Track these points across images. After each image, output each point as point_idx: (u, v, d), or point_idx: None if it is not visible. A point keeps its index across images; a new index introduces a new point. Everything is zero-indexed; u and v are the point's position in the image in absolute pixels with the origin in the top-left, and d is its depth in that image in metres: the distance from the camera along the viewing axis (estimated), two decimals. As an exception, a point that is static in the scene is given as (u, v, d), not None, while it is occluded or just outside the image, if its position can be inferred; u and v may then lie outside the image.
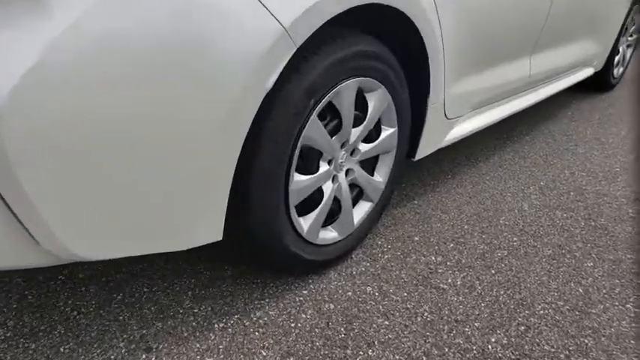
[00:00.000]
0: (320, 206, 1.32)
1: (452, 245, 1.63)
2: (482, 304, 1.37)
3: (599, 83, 3.64)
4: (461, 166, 2.26)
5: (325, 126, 1.27)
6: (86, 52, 0.80)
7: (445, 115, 1.73)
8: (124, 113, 0.86)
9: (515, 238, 1.70)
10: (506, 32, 1.93)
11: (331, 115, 1.29)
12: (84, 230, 0.91)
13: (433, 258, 1.56)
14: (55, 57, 0.77)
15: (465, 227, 1.74)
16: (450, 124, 1.81)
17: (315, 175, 1.27)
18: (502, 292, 1.42)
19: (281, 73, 1.10)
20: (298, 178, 1.23)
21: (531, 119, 2.99)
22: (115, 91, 0.84)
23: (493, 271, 1.51)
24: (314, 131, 1.21)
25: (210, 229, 1.09)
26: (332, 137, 1.29)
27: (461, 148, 2.47)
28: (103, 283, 1.37)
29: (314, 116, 1.19)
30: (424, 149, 1.71)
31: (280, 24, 1.00)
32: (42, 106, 0.77)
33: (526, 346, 1.23)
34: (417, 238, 1.66)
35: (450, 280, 1.46)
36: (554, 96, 3.53)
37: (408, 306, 1.34)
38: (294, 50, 1.05)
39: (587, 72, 3.17)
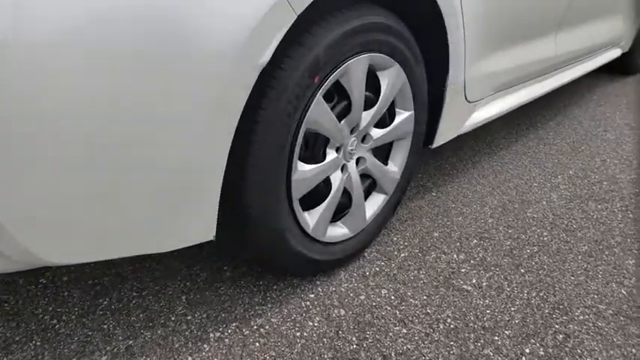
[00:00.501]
0: (327, 199, 1.17)
1: (475, 241, 1.48)
2: (513, 309, 1.21)
3: (626, 65, 3.43)
4: (481, 154, 2.10)
5: (332, 108, 1.12)
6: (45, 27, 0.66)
7: (465, 98, 1.57)
8: (89, 95, 0.71)
9: (545, 233, 1.54)
10: (532, 7, 1.75)
11: (339, 97, 1.14)
12: (48, 232, 0.77)
13: (455, 256, 1.40)
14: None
15: (489, 221, 1.58)
16: (471, 108, 1.65)
17: (322, 164, 1.12)
18: (534, 295, 1.26)
19: (280, 47, 0.95)
20: (302, 168, 1.08)
21: (555, 104, 2.80)
22: (77, 71, 0.70)
23: (522, 271, 1.35)
24: (319, 114, 1.05)
25: (199, 227, 0.94)
26: (340, 121, 1.14)
27: (481, 135, 2.30)
28: (88, 287, 1.23)
29: (319, 97, 1.04)
30: (443, 135, 1.55)
31: (276, -14, 0.85)
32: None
33: (566, 358, 1.07)
34: (436, 234, 1.50)
35: (474, 281, 1.30)
36: (578, 79, 3.33)
37: (429, 311, 1.19)
38: (294, 19, 0.90)
39: (615, 53, 2.97)
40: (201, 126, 0.84)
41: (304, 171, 1.08)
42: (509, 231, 1.54)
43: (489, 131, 2.36)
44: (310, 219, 1.15)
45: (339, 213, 1.28)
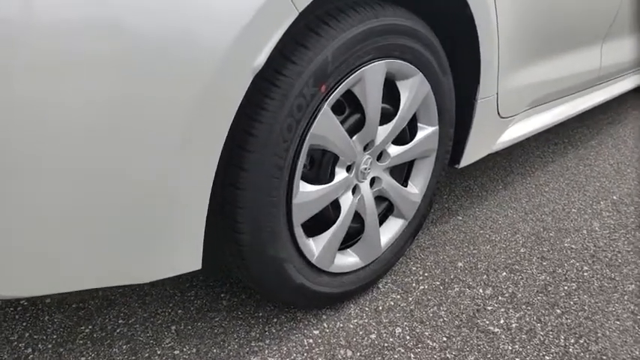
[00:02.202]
0: (336, 224, 1.03)
1: (505, 274, 1.31)
2: (547, 357, 1.04)
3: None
4: (514, 174, 1.92)
5: (343, 122, 0.99)
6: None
7: (498, 113, 1.41)
8: (51, 102, 0.60)
9: (585, 267, 1.36)
10: (575, 13, 1.59)
11: (351, 108, 1.00)
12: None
13: (481, 291, 1.24)
14: None
15: (521, 251, 1.41)
16: (504, 124, 1.49)
17: (329, 184, 0.99)
18: (572, 341, 1.09)
19: (281, 50, 0.82)
20: (305, 189, 0.94)
21: (595, 121, 2.60)
22: (36, 76, 0.59)
23: (559, 311, 1.18)
24: (326, 128, 0.92)
25: (183, 256, 0.82)
26: (351, 137, 1.00)
27: (514, 153, 2.12)
28: (71, 311, 1.12)
29: (326, 108, 0.91)
30: (471, 154, 1.39)
31: (275, -22, 0.72)
32: None
33: None
34: (460, 264, 1.34)
35: (502, 322, 1.14)
36: (624, 94, 3.10)
37: (448, 356, 1.04)
38: (296, 16, 0.77)
39: (664, 67, 2.75)
40: (180, 140, 0.72)
41: (307, 192, 0.95)
42: (544, 263, 1.36)
43: (523, 149, 2.18)
44: (315, 247, 1.02)
45: (350, 239, 1.14)
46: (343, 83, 0.92)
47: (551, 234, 1.51)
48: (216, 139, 0.75)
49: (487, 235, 1.49)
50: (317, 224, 1.04)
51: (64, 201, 0.67)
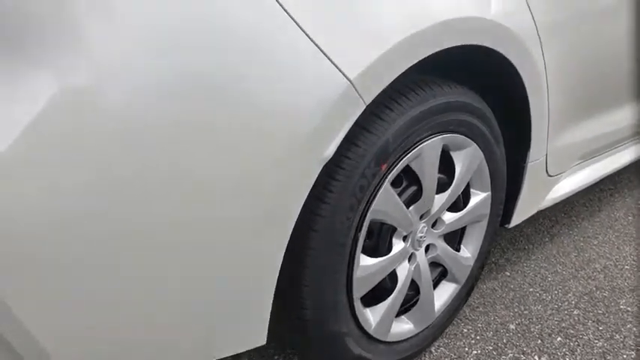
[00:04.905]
0: (393, 295, 1.05)
1: (559, 339, 1.29)
2: None
3: None
4: (560, 225, 1.90)
5: (400, 194, 1.01)
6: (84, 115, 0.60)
7: (547, 172, 1.41)
8: (136, 191, 0.65)
9: (643, 332, 1.33)
10: (622, 69, 1.59)
11: (408, 180, 1.03)
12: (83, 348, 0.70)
13: (536, 358, 1.22)
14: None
15: (575, 313, 1.39)
16: (552, 182, 1.49)
17: (388, 256, 1.01)
18: (636, 417, 1.07)
19: (345, 135, 0.86)
20: (365, 263, 0.97)
21: (641, 166, 2.55)
22: (124, 162, 0.63)
23: (619, 381, 1.16)
24: (386, 204, 0.95)
25: (250, 332, 0.85)
26: (408, 207, 1.02)
27: (558, 202, 2.10)
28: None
29: (386, 185, 0.93)
30: (521, 214, 1.39)
31: (345, 76, 0.76)
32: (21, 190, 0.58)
33: None
34: (512, 327, 1.33)
35: (560, 392, 1.12)
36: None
37: None
38: (363, 108, 0.80)
39: None
40: (256, 225, 0.75)
41: (368, 266, 0.97)
42: (600, 328, 1.34)
43: (567, 198, 2.15)
44: (372, 317, 1.03)
45: (404, 305, 1.15)
46: (402, 160, 0.95)
47: (605, 294, 1.48)
48: (288, 221, 0.79)
49: (537, 294, 1.47)
50: (372, 292, 1.06)
51: (143, 280, 0.71)
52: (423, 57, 0.86)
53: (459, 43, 0.91)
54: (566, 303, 1.44)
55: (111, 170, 0.62)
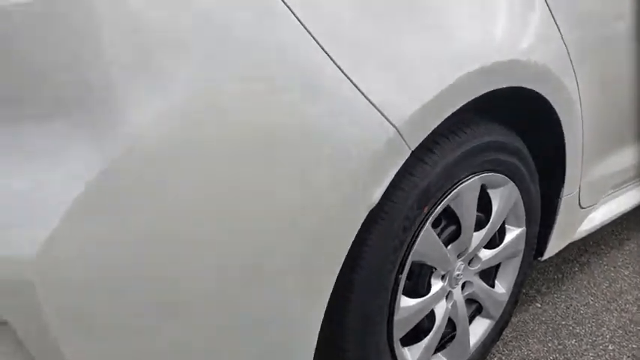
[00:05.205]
0: (431, 333, 1.05)
1: (596, 376, 1.27)
2: None
3: None
4: (589, 253, 1.88)
5: (439, 234, 1.01)
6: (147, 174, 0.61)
7: (579, 205, 1.41)
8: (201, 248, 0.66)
9: (681, 369, 1.30)
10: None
11: (447, 220, 1.03)
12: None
13: (574, 396, 1.21)
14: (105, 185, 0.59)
15: (610, 348, 1.38)
16: (585, 214, 1.48)
17: (427, 297, 1.01)
18: None
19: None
20: (406, 304, 0.97)
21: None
22: (184, 224, 0.64)
23: (660, 422, 1.14)
24: (427, 245, 0.95)
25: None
26: (447, 247, 1.02)
27: (586, 230, 2.08)
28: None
29: (428, 226, 0.94)
30: (554, 247, 1.39)
31: (391, 124, 0.77)
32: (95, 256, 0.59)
33: None
34: (547, 362, 1.32)
35: None
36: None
37: None
38: (408, 154, 0.81)
39: None
40: (303, 273, 0.77)
41: (408, 307, 0.97)
42: (637, 364, 1.32)
43: (595, 224, 2.13)
44: (411, 356, 1.03)
45: (440, 341, 1.14)
46: (443, 201, 0.95)
47: (638, 327, 1.46)
48: (334, 267, 0.79)
49: (570, 327, 1.46)
50: (410, 331, 1.05)
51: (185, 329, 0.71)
52: (467, 100, 0.87)
53: (503, 86, 0.92)
54: (601, 337, 1.42)
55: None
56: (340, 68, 0.73)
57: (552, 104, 1.09)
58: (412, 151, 0.82)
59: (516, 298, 1.28)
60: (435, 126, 0.83)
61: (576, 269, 1.77)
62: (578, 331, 1.44)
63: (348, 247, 0.79)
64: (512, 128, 1.11)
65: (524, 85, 0.98)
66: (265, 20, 0.68)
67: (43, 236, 0.56)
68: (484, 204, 1.10)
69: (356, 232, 0.79)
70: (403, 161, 0.81)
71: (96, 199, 0.59)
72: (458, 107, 0.86)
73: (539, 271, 1.75)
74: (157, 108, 0.61)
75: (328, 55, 0.73)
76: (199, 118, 0.64)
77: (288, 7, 0.69)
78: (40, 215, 0.57)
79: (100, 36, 0.58)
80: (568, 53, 1.09)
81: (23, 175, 0.59)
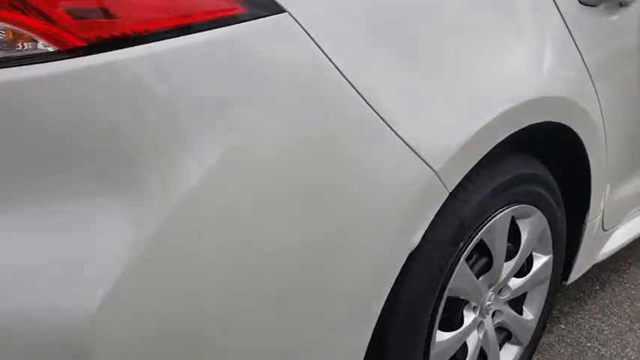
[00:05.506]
0: (465, 366, 1.06)
1: (626, 401, 1.28)
2: None
3: None
4: (608, 271, 1.88)
5: (471, 267, 1.02)
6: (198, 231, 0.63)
7: (602, 228, 1.42)
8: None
9: None
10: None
11: (478, 252, 1.04)
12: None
13: (605, 422, 1.21)
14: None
15: (637, 370, 1.38)
16: (607, 236, 1.49)
17: (461, 329, 1.02)
18: None
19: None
20: (441, 338, 0.98)
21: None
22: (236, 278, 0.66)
23: None
24: (462, 280, 0.96)
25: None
26: (478, 278, 1.03)
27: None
28: None
29: (462, 263, 0.95)
30: (578, 270, 1.39)
31: (430, 167, 0.78)
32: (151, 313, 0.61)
33: None
34: (575, 387, 1.32)
35: None
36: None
37: None
38: (447, 196, 0.83)
39: None
40: (344, 318, 0.78)
41: (444, 341, 0.98)
42: (665, 387, 1.32)
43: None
44: (444, 389, 1.04)
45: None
46: (477, 236, 0.97)
47: (664, 348, 1.47)
48: (375, 309, 0.81)
49: (596, 349, 1.46)
50: None
51: None
52: (501, 139, 0.88)
53: (536, 121, 0.93)
54: (626, 359, 1.42)
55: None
56: (380, 115, 0.75)
57: (578, 134, 1.10)
58: (450, 192, 0.83)
59: (544, 324, 1.29)
60: (472, 166, 0.85)
61: (597, 287, 1.78)
62: (603, 352, 1.45)
63: (389, 290, 0.80)
64: (536, 156, 1.12)
65: (553, 120, 0.99)
66: (309, 74, 0.70)
67: (95, 305, 0.58)
68: (512, 233, 1.11)
69: (396, 275, 0.80)
70: (442, 203, 0.82)
71: (144, 267, 0.61)
72: (492, 146, 0.87)
73: (560, 291, 1.75)
74: (200, 175, 0.62)
75: (368, 103, 0.74)
76: (239, 181, 0.65)
77: (331, 60, 0.70)
78: (91, 286, 0.59)
79: (135, 109, 0.60)
80: (593, 84, 1.11)
81: (74, 246, 0.61)
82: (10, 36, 0.57)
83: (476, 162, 0.85)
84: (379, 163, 0.75)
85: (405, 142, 0.77)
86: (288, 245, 0.69)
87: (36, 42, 0.57)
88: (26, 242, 0.62)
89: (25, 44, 0.57)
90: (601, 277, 1.84)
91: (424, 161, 0.78)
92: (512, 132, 0.90)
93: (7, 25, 0.55)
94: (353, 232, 0.74)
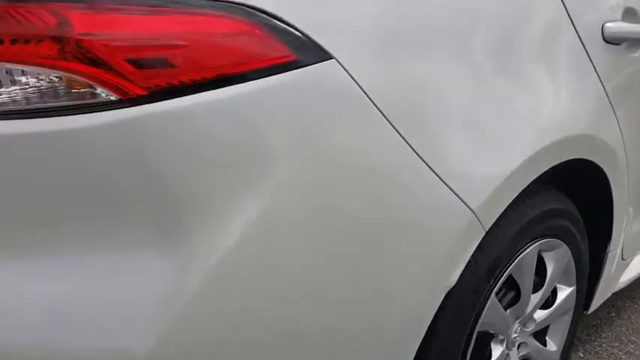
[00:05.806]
0: (492, 401, 1.05)
1: None
2: None
3: None
4: (624, 297, 1.88)
5: (499, 300, 1.03)
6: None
7: (622, 257, 1.42)
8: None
9: None
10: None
11: (506, 286, 1.05)
12: None
13: None
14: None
15: (659, 401, 1.38)
16: (625, 265, 1.50)
17: (490, 363, 1.02)
18: None
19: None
20: (472, 374, 0.98)
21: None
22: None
23: None
24: (492, 316, 0.97)
25: None
26: (506, 311, 1.04)
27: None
28: None
29: (493, 297, 0.96)
30: (599, 300, 1.40)
31: (468, 207, 0.79)
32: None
33: None
34: (598, 418, 1.32)
35: None
36: None
37: None
38: (483, 235, 0.84)
39: None
40: (384, 349, 0.78)
41: (474, 377, 0.98)
42: (688, 420, 1.32)
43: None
44: None
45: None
46: (507, 271, 0.97)
47: (684, 378, 1.47)
48: (413, 347, 0.81)
49: (615, 379, 1.46)
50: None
51: None
52: (535, 177, 0.89)
53: (567, 159, 0.95)
54: (647, 389, 1.42)
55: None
56: (421, 157, 0.76)
57: (604, 169, 1.12)
58: (487, 231, 0.84)
59: (567, 355, 1.29)
60: (508, 204, 0.86)
61: (613, 314, 1.78)
62: (623, 382, 1.45)
63: (426, 328, 0.81)
64: (560, 189, 1.14)
65: (582, 156, 1.01)
66: (354, 118, 0.71)
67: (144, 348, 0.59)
68: (538, 266, 1.12)
69: (434, 314, 0.81)
70: (479, 241, 0.83)
71: (192, 310, 0.61)
72: (527, 184, 0.88)
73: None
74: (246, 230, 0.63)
75: (409, 145, 0.75)
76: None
77: (375, 105, 0.71)
78: (141, 331, 0.60)
79: (189, 159, 0.60)
80: (617, 120, 1.13)
81: (121, 292, 0.61)
82: (64, 83, 0.58)
83: (511, 200, 0.86)
84: (420, 205, 0.76)
85: (444, 182, 0.78)
86: (335, 292, 0.70)
87: (93, 90, 0.58)
88: (77, 285, 0.62)
89: (82, 91, 0.58)
90: (617, 304, 1.84)
91: (463, 201, 0.79)
92: (547, 169, 0.91)
93: (73, 76, 0.56)
94: (396, 274, 0.74)
